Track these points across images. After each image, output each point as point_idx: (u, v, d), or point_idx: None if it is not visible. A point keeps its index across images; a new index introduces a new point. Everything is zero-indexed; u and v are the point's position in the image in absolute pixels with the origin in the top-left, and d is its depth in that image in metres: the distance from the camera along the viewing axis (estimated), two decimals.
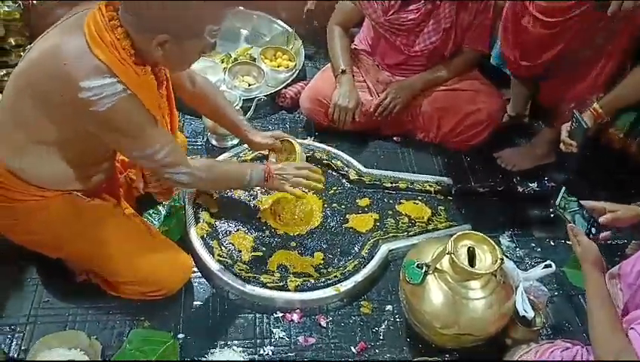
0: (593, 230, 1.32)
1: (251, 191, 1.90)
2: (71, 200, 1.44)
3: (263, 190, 1.89)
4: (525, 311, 1.45)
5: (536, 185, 2.09)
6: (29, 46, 1.33)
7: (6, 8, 2.08)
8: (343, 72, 2.09)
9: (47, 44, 1.23)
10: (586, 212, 1.34)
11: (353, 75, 2.13)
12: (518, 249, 1.89)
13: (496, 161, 2.18)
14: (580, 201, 1.37)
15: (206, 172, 1.49)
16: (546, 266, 1.55)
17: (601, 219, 1.31)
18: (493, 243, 1.41)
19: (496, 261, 1.37)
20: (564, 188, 1.41)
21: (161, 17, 1.15)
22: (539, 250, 1.89)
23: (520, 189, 2.08)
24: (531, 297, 1.55)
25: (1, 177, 1.36)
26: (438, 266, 1.44)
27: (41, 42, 1.27)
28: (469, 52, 2.12)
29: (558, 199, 1.40)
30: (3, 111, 1.33)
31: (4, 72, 2.10)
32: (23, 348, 1.46)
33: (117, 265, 1.49)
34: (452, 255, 1.37)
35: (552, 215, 2.01)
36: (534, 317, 1.50)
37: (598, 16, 1.67)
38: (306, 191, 1.85)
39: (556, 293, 1.74)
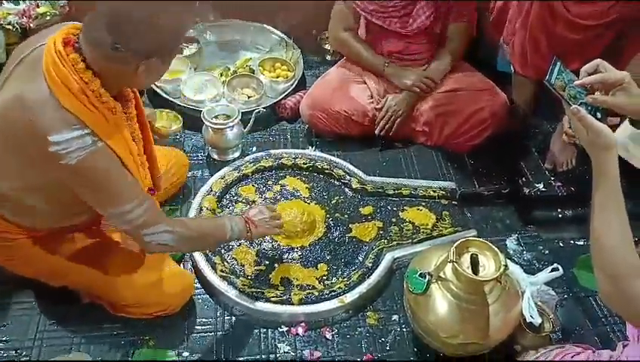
0: (598, 114, 1.05)
1: (253, 204, 1.89)
2: (65, 233, 1.44)
3: (264, 203, 1.89)
4: (532, 317, 1.42)
5: (542, 185, 2.05)
6: None
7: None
8: (387, 64, 2.11)
9: (9, 93, 1.15)
10: (587, 90, 1.08)
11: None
12: (525, 252, 1.86)
13: (550, 169, 2.09)
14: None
15: (187, 229, 1.37)
16: (553, 269, 1.51)
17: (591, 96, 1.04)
18: (497, 249, 1.38)
19: (500, 267, 1.35)
20: (559, 62, 1.09)
21: (154, 43, 1.13)
22: (547, 252, 1.86)
23: (526, 191, 2.04)
24: (539, 302, 1.52)
25: None
26: (441, 275, 1.42)
27: (5, 90, 1.19)
28: (456, 28, 2.12)
29: (554, 76, 1.08)
30: None
31: None
32: None
33: (118, 288, 1.49)
34: (454, 263, 1.35)
35: (559, 215, 1.98)
36: (542, 322, 1.47)
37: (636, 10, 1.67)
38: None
39: (566, 296, 1.71)
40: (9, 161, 1.23)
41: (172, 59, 1.24)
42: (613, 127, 1.04)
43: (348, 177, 2.01)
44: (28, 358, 1.49)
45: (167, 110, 2.14)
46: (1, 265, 1.54)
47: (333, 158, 2.08)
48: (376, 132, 2.14)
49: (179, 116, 2.12)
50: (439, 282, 1.42)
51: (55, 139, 1.10)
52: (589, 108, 1.05)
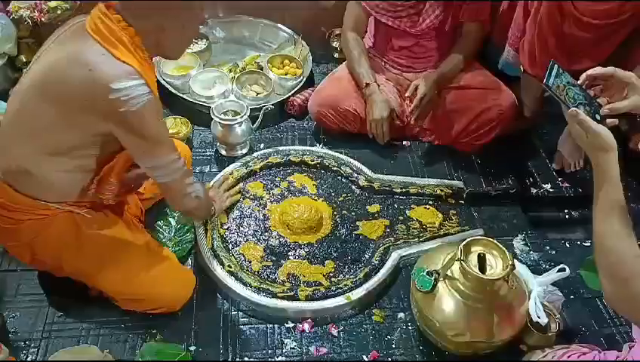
0: (597, 116, 1.04)
1: (260, 201, 1.90)
2: (72, 220, 1.44)
3: (271, 199, 1.90)
4: (538, 317, 1.43)
5: (549, 186, 2.05)
6: (29, 65, 1.34)
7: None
8: (367, 85, 2.09)
9: (57, 56, 1.24)
10: (586, 93, 1.07)
11: (377, 83, 2.12)
12: (532, 252, 1.86)
13: (558, 170, 2.08)
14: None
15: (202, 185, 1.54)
16: (560, 270, 1.51)
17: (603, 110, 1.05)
18: (504, 248, 1.39)
19: (507, 267, 1.35)
20: (556, 64, 1.08)
21: None
22: (553, 252, 1.86)
23: (533, 191, 2.04)
24: (545, 302, 1.52)
25: (3, 198, 1.37)
26: (448, 273, 1.42)
27: (44, 57, 1.28)
28: (469, 27, 2.11)
29: (551, 78, 1.07)
30: (9, 127, 1.33)
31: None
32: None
33: (115, 283, 1.50)
34: (462, 262, 1.36)
35: (566, 216, 1.98)
36: (548, 322, 1.47)
37: None
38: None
39: (572, 297, 1.71)
40: (47, 121, 1.27)
41: (193, 24, 1.33)
42: (613, 129, 1.04)
43: (355, 175, 2.02)
44: (36, 349, 1.50)
45: (179, 117, 2.15)
46: (7, 250, 1.56)
47: (340, 156, 2.09)
48: (412, 119, 2.09)
49: (188, 121, 2.13)
50: (446, 280, 1.42)
51: (117, 86, 1.19)
52: (588, 110, 1.05)
